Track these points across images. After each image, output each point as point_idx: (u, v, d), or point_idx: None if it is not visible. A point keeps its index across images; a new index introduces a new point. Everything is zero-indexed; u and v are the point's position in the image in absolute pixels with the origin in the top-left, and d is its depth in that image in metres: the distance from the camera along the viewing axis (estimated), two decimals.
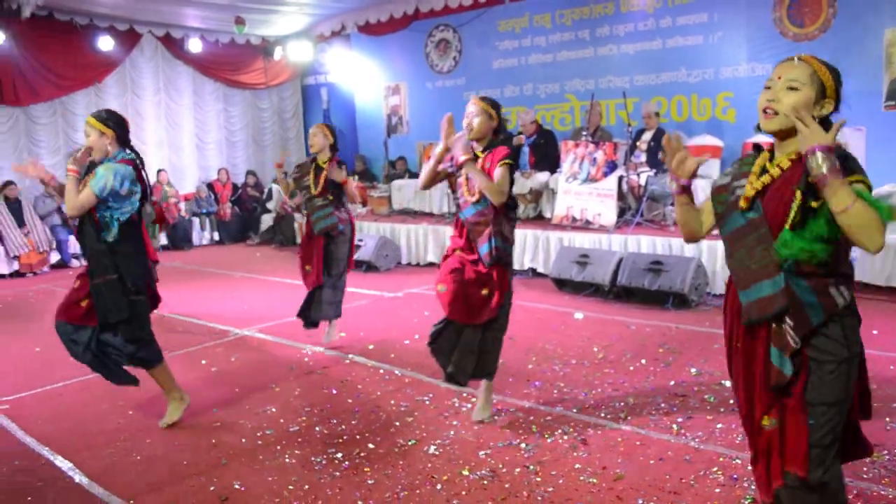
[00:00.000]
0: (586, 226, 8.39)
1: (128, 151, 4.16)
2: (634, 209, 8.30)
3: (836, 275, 2.16)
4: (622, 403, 4.48)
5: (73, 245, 10.82)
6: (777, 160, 2.24)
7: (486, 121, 4.07)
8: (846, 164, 2.04)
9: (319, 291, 5.84)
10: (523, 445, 3.90)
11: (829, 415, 2.15)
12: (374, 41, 12.77)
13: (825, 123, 2.13)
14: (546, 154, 9.53)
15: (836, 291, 2.15)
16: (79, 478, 3.79)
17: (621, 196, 8.37)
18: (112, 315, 4.10)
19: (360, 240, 9.86)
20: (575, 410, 4.38)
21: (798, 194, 2.08)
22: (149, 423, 4.50)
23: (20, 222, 10.60)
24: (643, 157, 8.73)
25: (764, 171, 2.26)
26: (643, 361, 5.27)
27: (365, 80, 13.36)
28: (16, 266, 10.48)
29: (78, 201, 4.01)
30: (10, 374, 5.59)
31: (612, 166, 8.38)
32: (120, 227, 4.08)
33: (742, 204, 2.26)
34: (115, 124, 4.14)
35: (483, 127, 4.06)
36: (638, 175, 8.33)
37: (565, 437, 3.99)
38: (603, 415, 4.30)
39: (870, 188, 2.07)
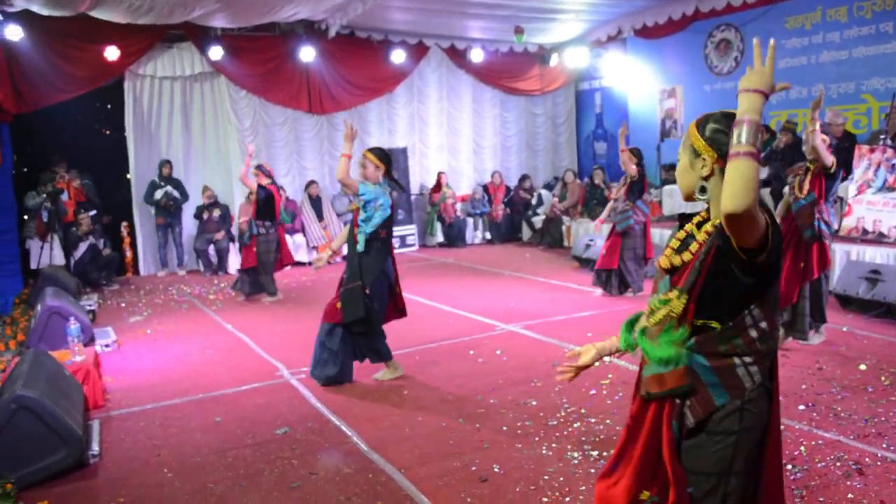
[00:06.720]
0: (879, 239, 7.58)
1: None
2: None
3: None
4: None
5: None
6: None
7: None
8: None
9: None
10: (790, 467, 3.68)
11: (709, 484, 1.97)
12: (651, 44, 12.55)
13: None
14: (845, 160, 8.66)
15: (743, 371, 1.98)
16: (360, 444, 4.26)
17: None
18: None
19: (591, 239, 9.96)
20: (852, 437, 4.04)
21: None
22: (421, 404, 4.91)
23: (319, 217, 11.97)
24: None
25: None
26: None
27: (639, 83, 13.19)
28: (315, 255, 11.78)
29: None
30: (311, 347, 6.28)
31: None
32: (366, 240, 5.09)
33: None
34: (386, 160, 5.23)
35: None
36: None
37: (838, 464, 3.70)
38: (885, 445, 3.92)
39: None
